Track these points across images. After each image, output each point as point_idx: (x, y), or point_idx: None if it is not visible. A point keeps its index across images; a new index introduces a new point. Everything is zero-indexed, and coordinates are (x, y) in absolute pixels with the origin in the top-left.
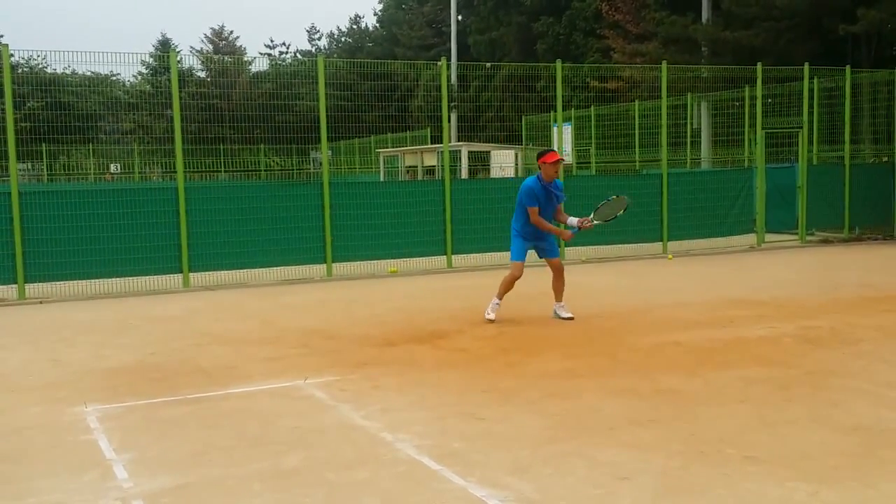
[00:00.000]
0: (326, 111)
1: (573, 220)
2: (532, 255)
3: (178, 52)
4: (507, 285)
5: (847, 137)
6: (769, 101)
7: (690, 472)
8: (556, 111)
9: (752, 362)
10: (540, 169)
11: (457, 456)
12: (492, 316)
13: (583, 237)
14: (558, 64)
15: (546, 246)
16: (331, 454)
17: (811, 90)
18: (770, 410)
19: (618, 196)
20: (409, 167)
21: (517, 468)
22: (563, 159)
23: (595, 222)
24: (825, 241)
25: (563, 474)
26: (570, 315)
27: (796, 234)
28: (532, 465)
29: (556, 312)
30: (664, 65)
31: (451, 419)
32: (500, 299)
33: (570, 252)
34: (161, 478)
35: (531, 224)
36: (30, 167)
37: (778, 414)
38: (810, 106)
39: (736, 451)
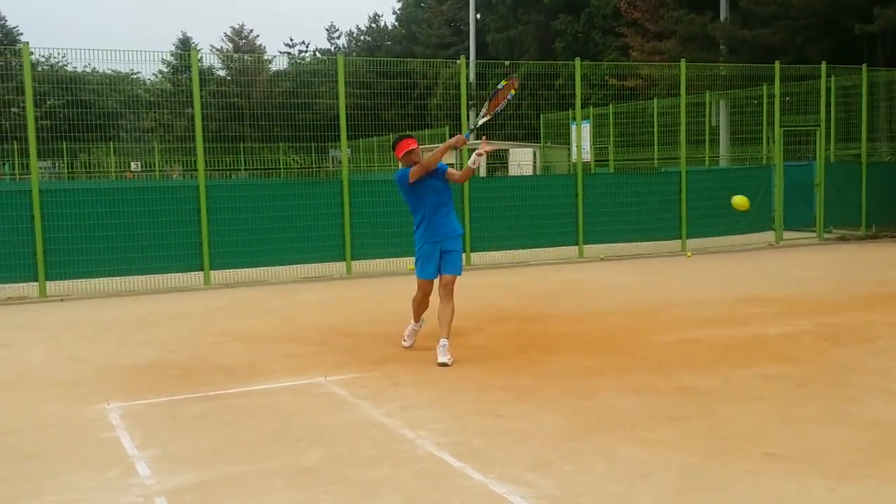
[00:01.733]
0: (346, 109)
1: (471, 159)
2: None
3: (199, 50)
4: (419, 305)
5: (864, 135)
6: (787, 99)
7: (710, 468)
8: (574, 109)
9: (771, 359)
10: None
11: (477, 453)
12: (408, 343)
13: (601, 236)
14: (577, 62)
15: (447, 258)
16: (351, 451)
17: (828, 88)
18: (789, 407)
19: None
20: None
21: (537, 465)
22: (411, 149)
23: (485, 118)
24: (842, 239)
25: (584, 471)
26: (444, 360)
27: (814, 231)
28: (552, 463)
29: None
30: (683, 63)
31: (471, 416)
32: (417, 322)
33: (589, 250)
34: (183, 474)
35: (426, 224)
36: (50, 165)
37: (797, 411)
38: (827, 104)
39: (755, 448)
